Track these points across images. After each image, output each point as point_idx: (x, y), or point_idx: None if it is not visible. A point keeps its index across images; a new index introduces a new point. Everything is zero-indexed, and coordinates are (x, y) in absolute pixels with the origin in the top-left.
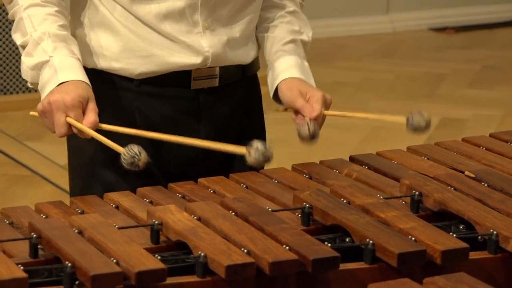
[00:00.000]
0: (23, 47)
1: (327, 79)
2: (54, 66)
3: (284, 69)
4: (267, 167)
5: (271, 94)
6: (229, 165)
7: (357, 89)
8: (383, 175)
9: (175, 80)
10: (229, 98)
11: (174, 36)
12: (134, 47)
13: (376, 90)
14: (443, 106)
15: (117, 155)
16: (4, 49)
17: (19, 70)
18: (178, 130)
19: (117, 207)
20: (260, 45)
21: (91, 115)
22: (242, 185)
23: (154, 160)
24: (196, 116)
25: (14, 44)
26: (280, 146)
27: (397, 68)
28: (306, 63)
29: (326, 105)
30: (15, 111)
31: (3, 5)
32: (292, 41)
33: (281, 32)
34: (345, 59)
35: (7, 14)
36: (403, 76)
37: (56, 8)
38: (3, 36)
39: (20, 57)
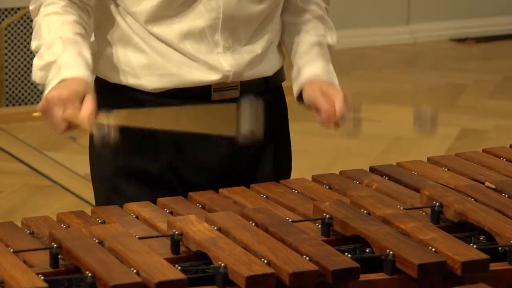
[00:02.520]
0: (36, 51)
1: (347, 90)
2: (59, 65)
3: (310, 72)
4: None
5: (295, 96)
6: (252, 177)
7: (378, 100)
8: (404, 186)
9: (195, 93)
10: None
11: (194, 56)
12: (154, 65)
13: (397, 101)
14: (463, 117)
15: (138, 165)
16: (25, 59)
17: None
18: (199, 142)
19: (137, 217)
20: (286, 49)
21: (87, 107)
22: (263, 196)
23: (175, 171)
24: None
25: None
26: (301, 156)
27: (417, 79)
28: (331, 66)
29: (348, 104)
30: (36, 121)
31: (22, 17)
32: (318, 44)
33: (307, 36)
34: (365, 70)
35: (27, 25)
36: (424, 87)
37: (75, 18)
38: (25, 47)
39: None
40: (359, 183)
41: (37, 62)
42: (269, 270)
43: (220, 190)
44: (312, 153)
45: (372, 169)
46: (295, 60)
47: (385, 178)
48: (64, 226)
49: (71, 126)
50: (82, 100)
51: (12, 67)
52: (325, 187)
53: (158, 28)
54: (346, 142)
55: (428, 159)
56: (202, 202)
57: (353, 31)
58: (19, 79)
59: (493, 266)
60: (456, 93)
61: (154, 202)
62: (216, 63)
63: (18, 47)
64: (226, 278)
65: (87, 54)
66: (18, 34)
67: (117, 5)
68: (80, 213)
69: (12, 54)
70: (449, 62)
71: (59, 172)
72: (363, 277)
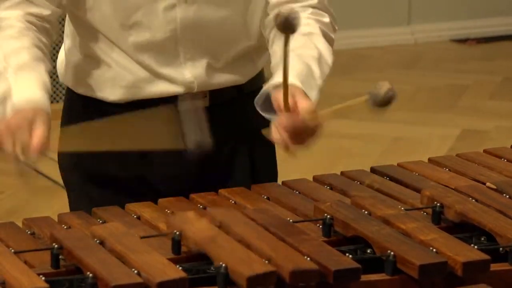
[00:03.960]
0: None
1: (348, 91)
2: (11, 95)
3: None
4: None
5: (255, 99)
6: (224, 185)
7: None
8: (404, 187)
9: (161, 102)
10: (224, 117)
11: (154, 68)
12: (117, 77)
13: (397, 102)
14: (464, 118)
15: (105, 172)
16: None
17: None
18: (169, 150)
19: (138, 218)
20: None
21: (37, 134)
22: (263, 196)
23: (143, 180)
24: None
25: None
26: (301, 157)
27: (418, 79)
28: (316, 80)
29: (314, 120)
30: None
31: None
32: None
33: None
34: (366, 70)
35: None
36: (425, 87)
37: (32, 41)
38: None
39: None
40: (360, 183)
41: None
42: (270, 269)
43: (220, 191)
44: (313, 154)
45: (373, 170)
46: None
47: (386, 178)
48: (65, 227)
49: (20, 162)
50: (31, 128)
51: None
52: (326, 187)
53: (117, 41)
54: (347, 142)
55: (429, 159)
56: (203, 203)
57: (353, 32)
58: None
59: (494, 267)
60: (457, 94)
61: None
62: (177, 75)
63: None
64: (227, 278)
65: (44, 75)
66: None
67: (80, 19)
68: (81, 214)
69: None
70: (450, 63)
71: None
72: (364, 277)
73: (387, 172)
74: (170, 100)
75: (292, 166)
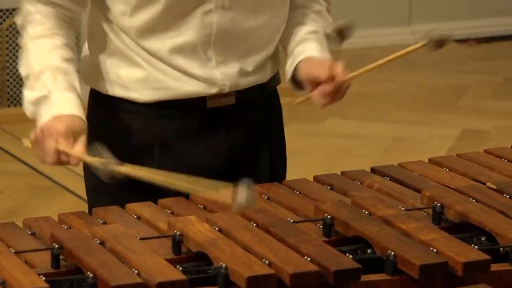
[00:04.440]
0: (26, 79)
1: (348, 90)
2: (51, 101)
3: (305, 50)
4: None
5: (288, 77)
6: (251, 175)
7: (379, 101)
8: (405, 187)
9: (190, 102)
10: (247, 115)
11: (186, 70)
12: (149, 78)
13: (398, 102)
14: (465, 118)
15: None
16: None
17: None
18: (196, 148)
19: (138, 218)
20: (281, 43)
21: (80, 144)
22: (264, 196)
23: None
24: (215, 134)
25: None
26: (302, 157)
27: (419, 79)
28: (328, 54)
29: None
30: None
31: None
32: (314, 32)
33: (303, 26)
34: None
35: None
36: (425, 87)
37: (64, 41)
38: None
39: None
40: (361, 183)
41: (28, 95)
42: (270, 271)
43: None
44: (313, 154)
45: (373, 170)
46: (290, 48)
47: (386, 178)
48: (66, 227)
49: (61, 160)
50: (75, 138)
51: (14, 67)
52: (327, 187)
53: (149, 43)
54: (347, 142)
55: (429, 159)
56: (203, 203)
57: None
58: (20, 79)
59: (495, 267)
60: (457, 94)
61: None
62: (210, 77)
63: (20, 47)
64: (227, 279)
65: (77, 83)
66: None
67: (109, 21)
68: (82, 214)
69: (14, 54)
70: (450, 63)
71: (60, 172)
72: (365, 278)
73: (387, 172)
74: (198, 100)
75: (292, 166)
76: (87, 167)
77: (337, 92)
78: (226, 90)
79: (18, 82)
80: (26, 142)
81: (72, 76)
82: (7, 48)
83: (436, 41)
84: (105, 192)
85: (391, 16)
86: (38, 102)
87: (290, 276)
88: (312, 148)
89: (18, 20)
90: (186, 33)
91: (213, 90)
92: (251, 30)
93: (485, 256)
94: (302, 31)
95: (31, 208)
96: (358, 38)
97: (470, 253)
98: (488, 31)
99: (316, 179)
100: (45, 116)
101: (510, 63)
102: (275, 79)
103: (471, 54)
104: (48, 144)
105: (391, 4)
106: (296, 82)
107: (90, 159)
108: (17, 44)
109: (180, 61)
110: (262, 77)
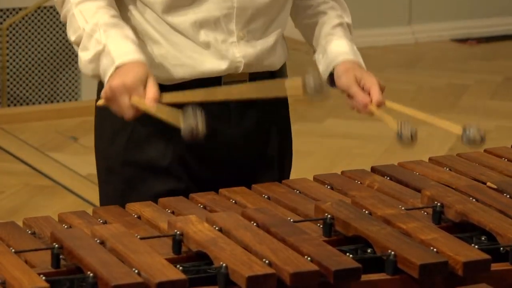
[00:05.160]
0: (77, 43)
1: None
2: (109, 53)
3: (339, 52)
4: None
5: (325, 77)
6: (253, 175)
7: None
8: (405, 186)
9: (205, 84)
10: (258, 104)
11: (208, 44)
12: (165, 54)
13: (398, 101)
14: (465, 117)
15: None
16: (27, 59)
17: (41, 81)
18: (212, 135)
19: (139, 217)
20: (303, 34)
21: (151, 90)
22: (264, 196)
23: (185, 165)
24: (226, 119)
25: (37, 55)
26: (302, 157)
27: (419, 79)
28: (355, 47)
29: (381, 90)
30: (37, 122)
31: (24, 17)
32: (340, 24)
33: (327, 16)
34: (367, 70)
35: (28, 25)
36: (425, 87)
37: (107, 2)
38: (26, 47)
39: (41, 68)
40: (361, 183)
41: (83, 55)
42: (270, 271)
43: (220, 190)
44: (313, 154)
45: (374, 169)
46: (319, 42)
47: (386, 178)
48: (66, 226)
49: (138, 111)
50: (145, 85)
51: (14, 67)
52: (327, 187)
53: (174, 17)
54: (347, 142)
55: (430, 159)
56: (203, 202)
57: (355, 32)
58: (20, 79)
59: (495, 267)
60: (458, 94)
61: (163, 194)
62: (228, 53)
63: (20, 47)
64: (227, 279)
65: (131, 34)
66: (20, 35)
67: None
68: (82, 213)
69: (14, 54)
70: (451, 63)
71: (60, 172)
72: (365, 277)
73: (387, 172)
74: (213, 83)
75: (292, 166)
76: (98, 146)
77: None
78: (241, 68)
79: (18, 82)
80: (101, 102)
81: (123, 27)
82: (7, 48)
83: (407, 138)
84: (118, 172)
85: (391, 16)
86: (96, 58)
87: (290, 276)
88: (312, 148)
89: None
90: (208, 7)
91: (229, 68)
92: (270, 4)
93: (485, 256)
94: (328, 24)
95: (31, 208)
96: (359, 37)
97: (470, 252)
98: (488, 31)
99: (316, 178)
100: (107, 69)
101: (511, 63)
102: (283, 70)
103: (471, 54)
104: (122, 101)
105: (392, 4)
106: (332, 81)
107: (162, 107)
108: (17, 44)
109: (203, 35)
110: (274, 63)
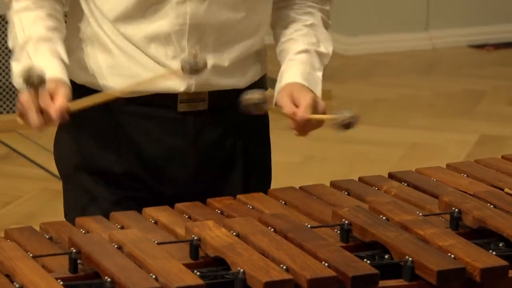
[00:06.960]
0: (13, 52)
1: (366, 96)
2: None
3: (288, 77)
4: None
5: (273, 103)
6: (219, 188)
7: (396, 106)
8: (422, 192)
9: (161, 101)
10: (220, 122)
11: (159, 60)
12: (120, 65)
13: (415, 107)
14: (482, 123)
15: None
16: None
17: None
18: (166, 151)
19: (155, 223)
20: (280, 61)
21: (58, 99)
22: (281, 201)
23: (137, 177)
24: (184, 138)
25: None
26: (319, 162)
27: (436, 85)
28: (318, 73)
29: (318, 110)
30: (54, 127)
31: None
32: (305, 51)
33: (294, 44)
34: (384, 75)
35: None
36: (442, 93)
37: (47, 11)
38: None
39: None
40: (378, 189)
41: (15, 67)
42: (287, 276)
43: (238, 196)
44: (330, 160)
45: (391, 175)
46: (281, 69)
47: (403, 184)
48: (83, 231)
49: (46, 120)
50: (51, 93)
51: None
52: (344, 193)
53: (126, 28)
54: (365, 148)
55: (447, 165)
56: (220, 208)
57: (371, 37)
58: None
59: None
60: (475, 100)
61: (118, 202)
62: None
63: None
64: (244, 284)
65: (61, 50)
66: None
67: (87, 2)
68: (99, 219)
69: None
70: (468, 68)
71: None
72: (382, 283)
73: (405, 178)
74: (170, 100)
75: (309, 172)
76: (58, 152)
77: (299, 130)
78: (193, 86)
79: None
80: (18, 119)
81: (55, 43)
82: None
83: (343, 125)
84: (74, 180)
85: (408, 22)
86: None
87: (308, 282)
88: (329, 154)
89: None
90: (160, 22)
91: (182, 86)
92: (228, 23)
93: (503, 262)
94: (293, 50)
95: (49, 213)
96: (376, 43)
97: (488, 259)
98: (505, 37)
99: (333, 184)
100: None
101: None
102: (258, 86)
103: (488, 59)
104: (30, 114)
105: (409, 10)
106: None
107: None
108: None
109: (153, 49)
110: (238, 82)
